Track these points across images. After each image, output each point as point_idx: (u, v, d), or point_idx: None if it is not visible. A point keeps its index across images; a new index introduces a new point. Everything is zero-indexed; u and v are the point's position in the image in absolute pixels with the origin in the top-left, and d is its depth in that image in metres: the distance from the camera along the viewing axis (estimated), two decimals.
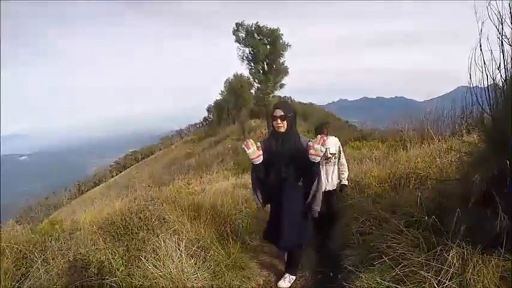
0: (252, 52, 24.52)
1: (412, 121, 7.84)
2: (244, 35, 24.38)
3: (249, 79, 27.78)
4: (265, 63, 24.97)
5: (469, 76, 2.24)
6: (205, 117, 41.99)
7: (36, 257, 2.87)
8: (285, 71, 25.31)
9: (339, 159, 3.61)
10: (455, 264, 1.99)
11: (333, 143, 3.55)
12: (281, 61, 24.93)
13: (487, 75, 2.15)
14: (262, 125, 27.91)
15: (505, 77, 2.08)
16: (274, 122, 2.38)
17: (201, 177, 8.11)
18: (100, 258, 2.80)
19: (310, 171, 2.32)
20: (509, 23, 2.04)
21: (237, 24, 24.60)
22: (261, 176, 2.44)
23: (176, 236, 2.98)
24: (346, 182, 3.68)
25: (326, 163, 3.50)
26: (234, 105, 32.36)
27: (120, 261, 2.73)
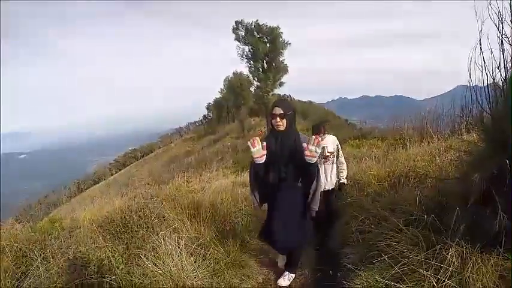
0: (251, 50, 24.48)
1: (412, 120, 7.84)
2: (243, 33, 24.34)
3: (248, 77, 27.76)
4: (264, 61, 24.94)
5: (468, 75, 2.24)
6: (204, 116, 42.00)
7: (36, 256, 2.86)
8: (284, 69, 25.28)
9: (337, 157, 3.58)
10: (454, 262, 1.99)
11: (330, 142, 3.51)
12: (281, 59, 24.90)
13: (487, 74, 2.15)
14: (261, 123, 27.93)
15: (505, 76, 2.08)
16: (273, 121, 2.33)
17: (200, 175, 8.10)
18: (100, 256, 2.80)
19: (308, 171, 2.30)
20: (509, 22, 2.04)
21: (236, 22, 24.55)
22: (260, 175, 2.40)
23: (176, 234, 2.98)
24: (345, 181, 3.64)
25: (324, 162, 3.47)
26: (233, 104, 32.36)
27: (120, 260, 2.73)
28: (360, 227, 3.18)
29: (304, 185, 2.41)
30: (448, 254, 2.03)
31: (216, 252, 2.99)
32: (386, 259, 2.29)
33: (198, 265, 2.73)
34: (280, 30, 24.07)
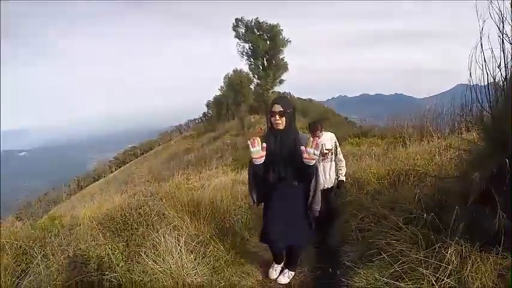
0: (251, 48, 24.43)
1: (412, 118, 7.83)
2: (244, 31, 24.28)
3: (248, 75, 27.70)
4: (264, 58, 24.88)
5: (469, 74, 2.24)
6: (204, 113, 41.94)
7: (36, 253, 2.86)
8: (284, 67, 25.24)
9: (335, 155, 3.54)
10: (453, 261, 2.00)
11: (328, 138, 3.47)
12: (281, 57, 24.86)
13: (487, 73, 2.14)
14: (261, 121, 27.90)
15: (505, 76, 2.08)
16: (272, 118, 2.27)
17: (200, 173, 8.10)
18: (100, 253, 2.80)
19: (306, 173, 2.24)
20: (510, 22, 2.04)
21: (236, 19, 24.48)
22: (259, 176, 2.35)
23: (176, 232, 2.98)
24: (344, 178, 3.60)
25: (323, 160, 3.43)
26: (233, 101, 32.31)
27: (120, 257, 2.73)
28: (359, 225, 3.19)
29: (303, 185, 2.37)
30: (447, 252, 2.04)
31: (215, 249, 3.00)
32: (386, 257, 2.29)
33: (198, 262, 2.74)
34: (280, 28, 24.02)
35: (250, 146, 2.18)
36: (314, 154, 2.09)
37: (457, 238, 2.07)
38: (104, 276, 2.56)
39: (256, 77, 25.50)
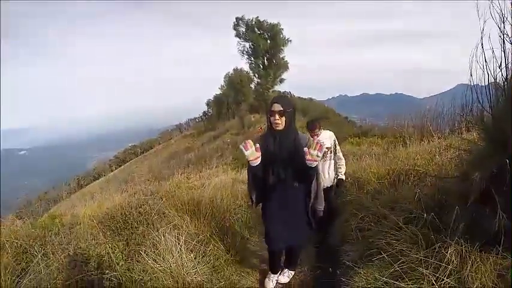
0: (252, 46, 24.45)
1: (412, 118, 7.83)
2: (244, 30, 24.28)
3: (248, 74, 27.70)
4: (265, 58, 24.91)
5: (469, 74, 2.23)
6: (204, 112, 41.84)
7: (36, 252, 2.87)
8: (285, 66, 25.27)
9: (335, 153, 3.53)
10: (453, 261, 2.00)
11: (327, 137, 3.46)
12: (281, 56, 24.88)
13: (488, 73, 2.14)
14: (261, 120, 27.86)
15: (506, 76, 2.07)
16: (271, 118, 2.21)
17: (200, 172, 8.11)
18: (100, 252, 2.81)
19: (307, 174, 2.19)
20: (511, 22, 2.04)
21: (237, 18, 24.51)
22: (258, 177, 2.29)
23: (176, 231, 2.98)
24: (343, 177, 3.59)
25: (322, 158, 3.41)
26: (233, 100, 32.24)
27: (120, 256, 2.74)
28: (359, 224, 3.19)
29: (304, 185, 2.33)
30: (447, 252, 2.04)
31: (215, 248, 3.00)
32: (386, 257, 2.29)
33: (198, 261, 2.74)
34: (281, 27, 24.02)
35: (243, 150, 2.12)
36: (317, 156, 2.04)
37: (457, 238, 2.07)
38: (104, 275, 2.57)
39: (256, 76, 25.54)
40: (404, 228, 2.46)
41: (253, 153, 2.13)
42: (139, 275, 2.53)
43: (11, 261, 2.85)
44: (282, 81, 26.58)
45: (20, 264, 2.85)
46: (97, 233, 3.16)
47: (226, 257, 2.96)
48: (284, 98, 2.45)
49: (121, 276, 2.56)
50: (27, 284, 2.60)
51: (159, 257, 2.63)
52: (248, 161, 2.17)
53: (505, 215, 1.87)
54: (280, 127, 2.21)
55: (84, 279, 2.58)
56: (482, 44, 2.12)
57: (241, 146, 2.13)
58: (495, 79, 2.13)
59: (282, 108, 2.18)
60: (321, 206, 2.42)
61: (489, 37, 2.09)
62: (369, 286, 2.25)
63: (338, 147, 3.56)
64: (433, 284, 1.95)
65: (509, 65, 2.07)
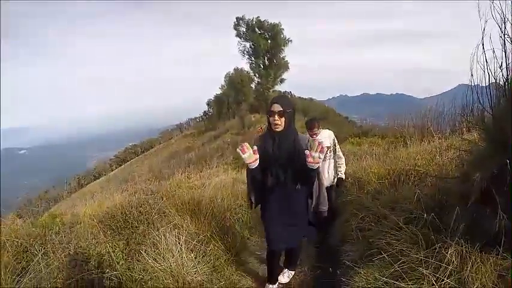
0: (252, 46, 24.45)
1: (413, 118, 7.83)
2: (244, 29, 24.28)
3: (249, 73, 27.68)
4: (265, 57, 24.91)
5: (470, 74, 2.23)
6: (205, 111, 41.84)
7: (36, 251, 2.86)
8: (285, 66, 25.28)
9: (334, 152, 3.53)
10: (453, 261, 2.00)
11: (326, 136, 3.46)
12: (281, 56, 24.87)
13: (488, 73, 2.14)
14: (262, 120, 27.86)
15: (507, 76, 2.07)
16: (271, 118, 2.16)
17: (200, 171, 8.10)
18: (100, 251, 2.81)
19: (308, 176, 2.17)
20: None
21: (237, 18, 24.51)
22: (258, 179, 2.26)
23: (176, 230, 2.98)
24: (343, 176, 3.58)
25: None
26: (234, 100, 32.23)
27: (120, 255, 2.74)
28: (359, 224, 3.19)
29: (305, 187, 2.30)
30: (447, 252, 2.04)
31: (216, 248, 3.00)
32: (386, 257, 2.29)
33: (198, 261, 2.74)
34: (281, 27, 24.02)
35: (241, 153, 2.08)
36: (319, 158, 2.01)
37: (457, 238, 2.07)
38: (104, 274, 2.57)
39: (257, 75, 25.55)
40: (405, 229, 2.46)
41: (250, 156, 2.08)
42: (139, 274, 2.54)
43: (12, 260, 2.85)
44: (282, 81, 26.59)
45: (20, 263, 2.85)
46: (97, 232, 3.16)
47: (227, 256, 2.96)
48: (284, 98, 2.39)
49: (121, 276, 2.56)
50: (27, 283, 2.59)
51: (159, 257, 2.63)
52: (247, 164, 2.13)
53: (505, 216, 1.86)
54: (280, 128, 2.17)
55: (84, 278, 2.58)
56: (483, 44, 2.11)
57: (238, 150, 2.09)
58: (496, 79, 2.13)
59: (281, 109, 2.14)
60: (324, 207, 2.40)
61: (490, 37, 2.09)
62: (369, 286, 2.25)
63: (337, 146, 3.55)
64: (433, 284, 1.95)
65: (510, 65, 2.06)
